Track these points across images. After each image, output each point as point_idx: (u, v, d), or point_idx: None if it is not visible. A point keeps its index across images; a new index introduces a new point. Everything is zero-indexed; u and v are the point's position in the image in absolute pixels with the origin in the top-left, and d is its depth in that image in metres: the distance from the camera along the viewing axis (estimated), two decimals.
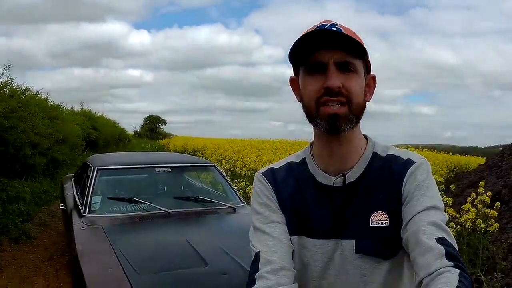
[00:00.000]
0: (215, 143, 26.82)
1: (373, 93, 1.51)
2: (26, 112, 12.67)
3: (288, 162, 1.61)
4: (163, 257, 3.92)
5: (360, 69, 1.39)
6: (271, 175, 1.58)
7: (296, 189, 1.53)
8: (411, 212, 1.36)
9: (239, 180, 11.24)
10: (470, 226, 6.03)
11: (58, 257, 7.39)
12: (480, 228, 6.01)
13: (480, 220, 6.11)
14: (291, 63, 1.48)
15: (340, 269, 1.47)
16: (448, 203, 6.68)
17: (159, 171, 5.75)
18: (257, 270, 1.37)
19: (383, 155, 1.52)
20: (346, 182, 1.47)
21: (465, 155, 28.56)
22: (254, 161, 14.06)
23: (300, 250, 1.49)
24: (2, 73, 13.04)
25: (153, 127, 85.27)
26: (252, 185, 6.93)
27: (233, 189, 6.13)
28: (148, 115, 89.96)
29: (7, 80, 13.19)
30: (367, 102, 1.46)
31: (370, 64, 1.46)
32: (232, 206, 5.48)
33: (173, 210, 5.06)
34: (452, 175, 15.73)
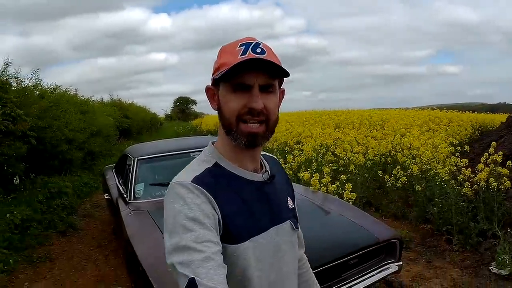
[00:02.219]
0: None
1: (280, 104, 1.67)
2: (58, 110, 13.07)
3: (205, 169, 1.55)
4: None
5: (277, 88, 1.56)
6: (203, 182, 1.47)
7: (232, 191, 1.53)
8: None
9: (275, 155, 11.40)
10: (484, 185, 6.31)
11: (106, 244, 7.85)
12: (492, 186, 6.23)
13: (492, 178, 6.32)
14: (213, 78, 1.56)
15: (284, 249, 1.66)
16: (463, 164, 6.91)
17: (193, 155, 6.07)
18: None
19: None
20: (269, 176, 1.65)
21: (493, 113, 27.98)
22: (284, 135, 14.09)
23: (253, 254, 1.51)
24: (31, 77, 13.38)
25: (183, 108, 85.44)
26: (282, 158, 7.20)
27: None
28: (177, 97, 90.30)
29: (36, 82, 13.49)
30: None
31: (283, 80, 1.62)
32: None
33: None
34: (478, 134, 15.58)
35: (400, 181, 8.04)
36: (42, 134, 11.40)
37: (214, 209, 1.42)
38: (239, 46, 1.46)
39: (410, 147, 9.08)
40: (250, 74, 1.44)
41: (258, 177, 1.62)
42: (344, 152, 9.61)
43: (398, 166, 8.41)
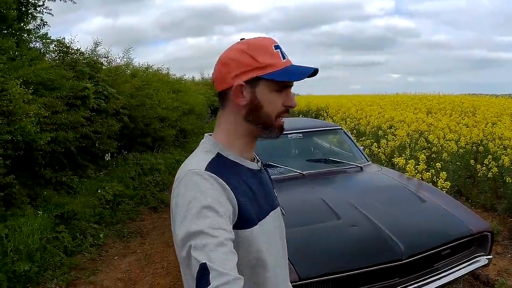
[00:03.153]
0: (338, 101, 26.35)
1: None
2: (151, 89, 13.44)
3: (211, 159, 1.55)
4: (302, 214, 4.27)
5: None
6: (216, 171, 1.48)
7: (239, 178, 1.57)
8: None
9: (364, 138, 11.26)
10: None
11: None
12: None
13: None
14: (252, 75, 1.56)
15: (279, 233, 1.75)
16: None
17: (291, 137, 6.07)
18: (207, 284, 1.20)
19: None
20: (262, 165, 1.76)
21: None
22: (377, 118, 13.89)
23: (263, 236, 1.56)
24: (123, 56, 13.73)
25: None
26: (376, 142, 7.09)
27: (359, 149, 6.41)
28: None
29: (128, 61, 13.85)
30: None
31: None
32: (359, 165, 5.79)
33: (306, 171, 5.47)
34: None
35: (491, 171, 7.73)
36: (134, 113, 11.85)
37: (230, 197, 1.43)
38: (275, 49, 1.56)
39: (501, 137, 8.71)
40: None
41: (254, 165, 1.69)
42: (437, 138, 9.37)
43: (490, 156, 8.14)
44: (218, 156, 1.58)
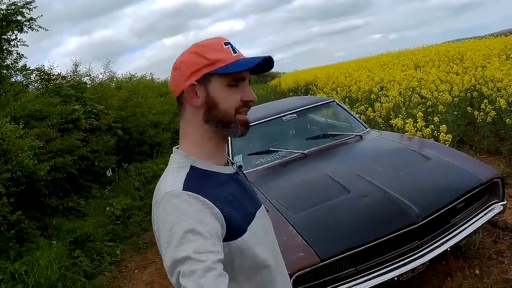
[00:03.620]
0: (325, 72, 25.94)
1: None
2: (138, 97, 13.66)
3: (186, 175, 1.52)
4: (310, 194, 4.31)
5: None
6: (193, 188, 1.45)
7: (218, 188, 1.54)
8: None
9: (357, 104, 11.27)
10: None
11: None
12: None
13: None
14: (202, 72, 1.54)
15: (268, 229, 1.74)
16: None
17: (286, 118, 6.08)
18: None
19: None
20: (237, 167, 1.74)
21: None
22: (367, 82, 13.79)
23: (255, 240, 1.55)
24: (104, 71, 13.88)
25: None
26: (370, 106, 7.12)
27: (355, 117, 6.44)
28: None
29: (110, 75, 14.03)
30: None
31: None
32: (358, 134, 5.83)
33: (308, 150, 5.48)
34: None
35: (490, 115, 7.72)
36: (127, 124, 12.03)
37: (214, 212, 1.40)
38: (225, 45, 1.54)
39: (493, 79, 8.68)
40: (247, 71, 1.56)
41: (230, 169, 1.67)
42: (430, 92, 9.34)
43: (486, 101, 8.11)
44: (192, 169, 1.54)
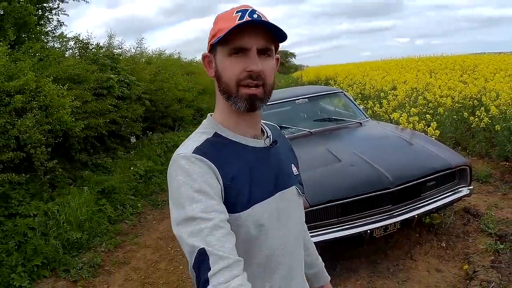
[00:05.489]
0: (345, 69, 26.89)
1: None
2: (166, 73, 14.44)
3: (205, 140, 1.53)
4: (310, 161, 5.10)
5: (273, 52, 1.55)
6: (204, 152, 1.46)
7: (235, 159, 1.52)
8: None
9: (368, 101, 11.96)
10: None
11: None
12: None
13: None
14: (210, 44, 1.55)
15: (289, 215, 1.65)
16: None
17: (298, 102, 7.01)
18: (208, 269, 1.24)
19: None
20: (271, 142, 1.66)
21: None
22: (380, 82, 14.60)
23: (255, 220, 1.50)
24: (138, 46, 14.61)
25: (282, 62, 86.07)
26: (378, 103, 8.03)
27: (359, 108, 7.30)
28: None
29: (142, 51, 14.76)
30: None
31: (278, 46, 1.61)
32: (359, 121, 6.68)
33: (314, 129, 6.38)
34: None
35: (483, 122, 8.32)
36: (154, 97, 12.72)
37: (217, 178, 1.42)
38: (236, 13, 1.47)
39: (493, 90, 9.21)
40: (249, 37, 1.45)
41: (260, 143, 1.62)
42: (433, 95, 10.05)
43: (482, 108, 8.66)
44: (216, 136, 1.55)
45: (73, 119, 7.51)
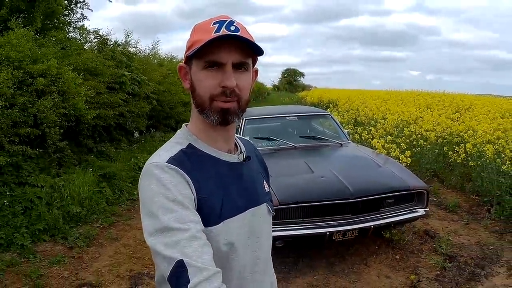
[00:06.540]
0: (347, 95, 27.62)
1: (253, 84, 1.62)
2: (176, 77, 15.01)
3: (179, 150, 1.48)
4: (288, 170, 5.86)
5: (250, 66, 1.50)
6: (178, 162, 1.41)
7: (208, 172, 1.48)
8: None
9: (361, 127, 12.51)
10: None
11: None
12: None
13: None
14: (186, 56, 1.50)
15: (259, 232, 1.61)
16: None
17: (288, 118, 7.77)
18: (187, 282, 1.18)
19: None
20: (244, 157, 1.63)
21: None
22: (373, 111, 15.35)
23: (225, 235, 1.45)
24: (152, 47, 15.35)
25: (291, 80, 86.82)
26: (367, 129, 8.91)
27: (342, 130, 7.94)
28: (285, 68, 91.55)
29: (155, 52, 15.58)
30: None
31: (257, 59, 1.56)
32: (340, 142, 7.35)
33: (298, 144, 7.06)
34: None
35: (460, 157, 8.86)
36: (161, 97, 13.45)
37: (191, 189, 1.38)
38: (213, 24, 1.41)
39: (471, 128, 9.84)
40: (224, 51, 1.39)
41: (233, 157, 1.59)
42: (419, 128, 10.69)
43: (462, 145, 9.17)
44: (190, 147, 1.51)
45: (86, 107, 8.17)
